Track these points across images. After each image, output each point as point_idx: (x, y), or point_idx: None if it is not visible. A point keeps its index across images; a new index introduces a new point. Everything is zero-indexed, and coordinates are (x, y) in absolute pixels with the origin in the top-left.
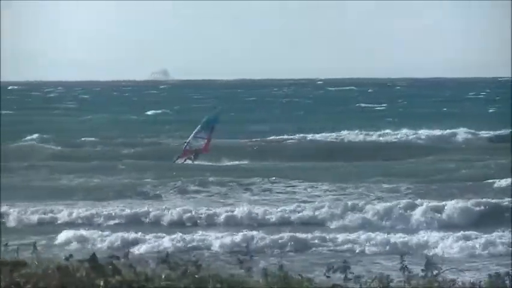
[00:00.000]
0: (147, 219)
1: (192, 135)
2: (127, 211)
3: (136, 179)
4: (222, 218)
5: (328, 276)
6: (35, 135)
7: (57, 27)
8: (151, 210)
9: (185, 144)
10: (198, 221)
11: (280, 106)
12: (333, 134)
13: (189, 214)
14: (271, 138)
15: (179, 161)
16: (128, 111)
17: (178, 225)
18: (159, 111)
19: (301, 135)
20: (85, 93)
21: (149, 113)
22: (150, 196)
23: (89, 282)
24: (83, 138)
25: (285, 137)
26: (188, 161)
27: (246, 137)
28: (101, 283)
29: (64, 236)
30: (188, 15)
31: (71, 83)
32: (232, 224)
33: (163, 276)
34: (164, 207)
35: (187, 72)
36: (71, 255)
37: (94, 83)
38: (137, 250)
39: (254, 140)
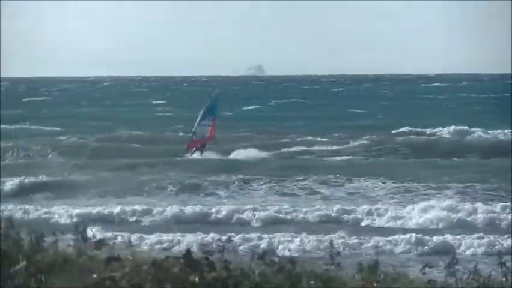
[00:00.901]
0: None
1: (196, 124)
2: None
3: None
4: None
5: (424, 273)
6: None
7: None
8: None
9: (192, 134)
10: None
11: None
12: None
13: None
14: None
15: (189, 154)
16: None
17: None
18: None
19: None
20: (191, 87)
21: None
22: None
23: (184, 278)
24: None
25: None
26: (195, 155)
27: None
28: (196, 279)
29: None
30: (284, 10)
31: (177, 77)
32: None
33: (258, 273)
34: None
35: (282, 67)
36: (164, 250)
37: (197, 77)
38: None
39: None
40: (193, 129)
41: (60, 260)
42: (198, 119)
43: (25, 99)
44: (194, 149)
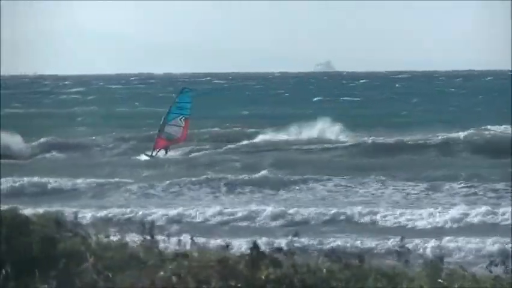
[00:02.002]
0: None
1: (164, 121)
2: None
3: None
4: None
5: (490, 271)
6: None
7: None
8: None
9: (160, 132)
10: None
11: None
12: None
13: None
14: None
15: (155, 153)
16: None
17: None
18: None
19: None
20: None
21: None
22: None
23: (250, 275)
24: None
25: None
26: (159, 154)
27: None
28: (262, 276)
29: None
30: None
31: (243, 74)
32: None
33: (324, 270)
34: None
35: (351, 63)
36: (228, 245)
37: (269, 74)
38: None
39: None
40: (161, 128)
41: (127, 256)
42: (167, 116)
43: None
44: (159, 149)
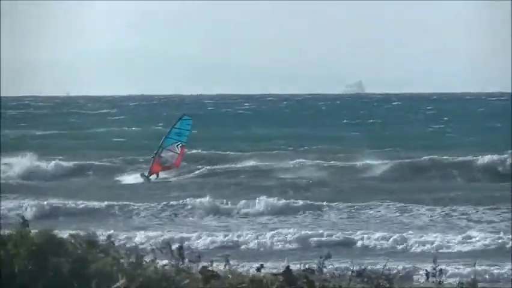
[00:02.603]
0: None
1: (162, 144)
2: None
3: None
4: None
5: None
6: None
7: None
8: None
9: (155, 156)
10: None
11: None
12: None
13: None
14: None
15: (153, 177)
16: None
17: None
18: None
19: None
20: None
21: None
22: None
23: None
24: None
25: None
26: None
27: None
28: None
29: None
30: (384, 24)
31: (270, 95)
32: None
33: None
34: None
35: (382, 85)
36: (262, 266)
37: (297, 95)
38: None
39: None
40: (158, 151)
41: (159, 277)
42: (164, 140)
43: None
44: (156, 173)
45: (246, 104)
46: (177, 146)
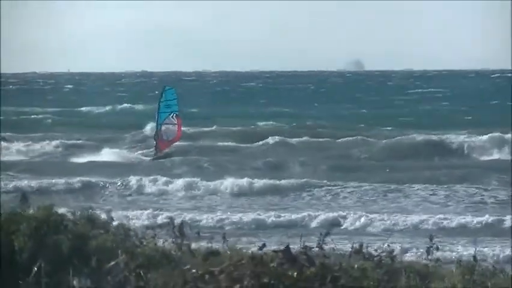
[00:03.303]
0: None
1: (158, 121)
2: None
3: None
4: None
5: None
6: None
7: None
8: None
9: (156, 134)
10: None
11: None
12: None
13: None
14: None
15: (160, 154)
16: None
17: None
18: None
19: None
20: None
21: None
22: None
23: (283, 273)
24: None
25: None
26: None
27: None
28: (295, 274)
29: None
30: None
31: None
32: None
33: (356, 266)
34: None
35: (382, 62)
36: (264, 245)
37: (295, 72)
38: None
39: None
40: (157, 129)
41: (160, 255)
42: (158, 116)
43: None
44: (164, 151)
45: (252, 83)
46: (172, 117)
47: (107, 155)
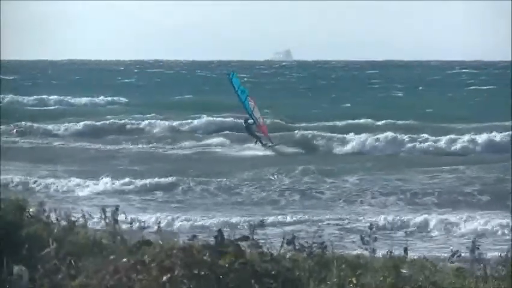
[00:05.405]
0: None
1: (248, 110)
2: None
3: None
4: None
5: (452, 262)
6: None
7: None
8: None
9: (255, 123)
10: None
11: None
12: None
13: None
14: None
15: (270, 143)
16: None
17: None
18: None
19: None
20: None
21: None
22: None
23: (213, 263)
24: None
25: None
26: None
27: None
28: (226, 264)
29: None
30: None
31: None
32: None
33: (288, 257)
34: None
35: (311, 53)
36: (195, 236)
37: (226, 61)
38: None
39: None
40: (253, 118)
41: (91, 243)
42: (244, 105)
43: None
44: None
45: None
46: (250, 100)
47: None
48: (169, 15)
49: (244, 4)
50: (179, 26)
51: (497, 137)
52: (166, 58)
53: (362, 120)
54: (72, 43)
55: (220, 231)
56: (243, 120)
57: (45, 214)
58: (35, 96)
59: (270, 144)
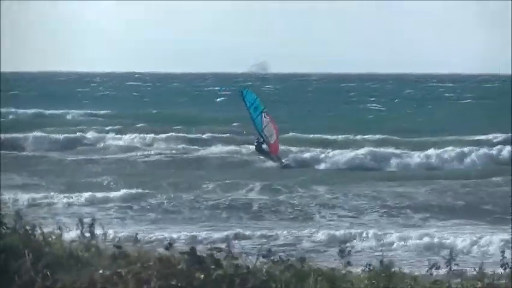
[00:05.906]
0: None
1: (258, 128)
2: None
3: None
4: None
5: (431, 274)
6: None
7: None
8: None
9: (265, 141)
10: None
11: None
12: None
13: None
14: None
15: (283, 160)
16: None
17: None
18: None
19: None
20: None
21: None
22: None
23: (190, 274)
24: None
25: None
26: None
27: None
28: (202, 276)
29: None
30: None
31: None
32: None
33: (264, 270)
34: None
35: (288, 65)
36: (171, 245)
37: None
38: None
39: None
40: (263, 135)
41: (67, 255)
42: (254, 123)
43: None
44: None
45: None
46: (264, 116)
47: None
48: (140, 27)
49: (220, 14)
50: (150, 39)
51: (472, 150)
52: (139, 70)
53: (339, 136)
54: (42, 54)
55: (193, 247)
56: (255, 140)
57: (21, 225)
58: None
59: (281, 162)
